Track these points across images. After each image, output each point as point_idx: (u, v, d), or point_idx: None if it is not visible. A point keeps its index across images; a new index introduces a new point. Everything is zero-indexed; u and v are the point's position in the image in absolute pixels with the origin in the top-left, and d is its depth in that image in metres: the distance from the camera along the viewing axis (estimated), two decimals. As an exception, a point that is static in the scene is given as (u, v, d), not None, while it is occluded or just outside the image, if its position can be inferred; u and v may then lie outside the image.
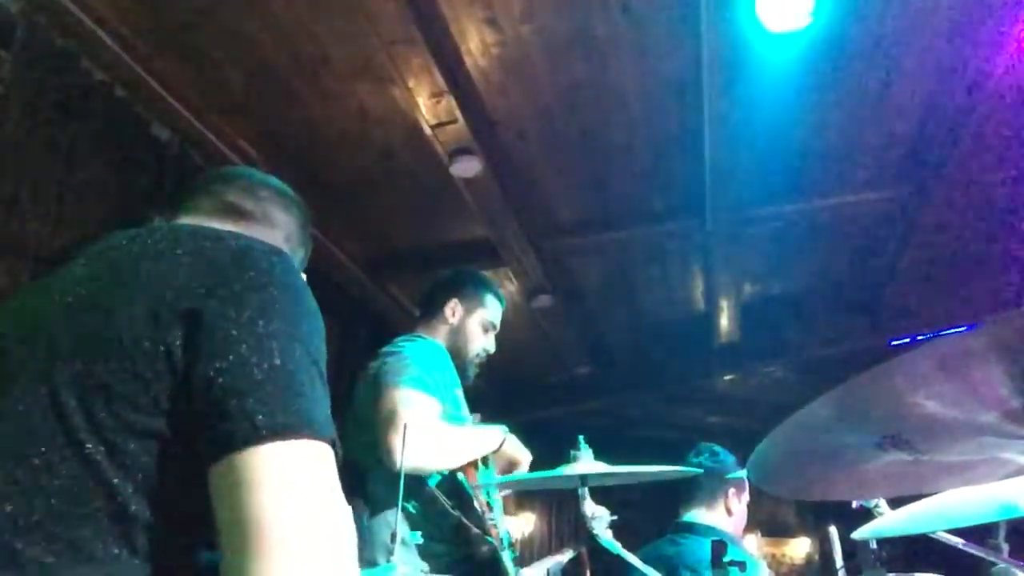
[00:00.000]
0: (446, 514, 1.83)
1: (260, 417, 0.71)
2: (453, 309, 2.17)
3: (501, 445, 2.02)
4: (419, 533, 1.82)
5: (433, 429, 1.85)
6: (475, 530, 1.83)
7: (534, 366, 5.38)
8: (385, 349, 2.01)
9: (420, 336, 2.10)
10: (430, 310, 2.20)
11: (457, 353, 2.13)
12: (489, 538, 1.84)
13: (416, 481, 1.84)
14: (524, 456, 2.07)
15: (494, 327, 2.25)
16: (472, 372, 2.22)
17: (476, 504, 1.93)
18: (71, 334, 0.77)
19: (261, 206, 1.10)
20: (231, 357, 0.74)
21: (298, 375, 0.75)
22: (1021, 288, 4.04)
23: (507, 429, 2.05)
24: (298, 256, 1.16)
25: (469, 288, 2.22)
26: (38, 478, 0.71)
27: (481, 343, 2.20)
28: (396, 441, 1.72)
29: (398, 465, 1.72)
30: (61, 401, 0.73)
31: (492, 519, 1.93)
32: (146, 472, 0.73)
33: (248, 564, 0.68)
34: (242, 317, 0.76)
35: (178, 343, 0.74)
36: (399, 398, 1.81)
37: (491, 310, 2.23)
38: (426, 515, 1.87)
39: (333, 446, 0.76)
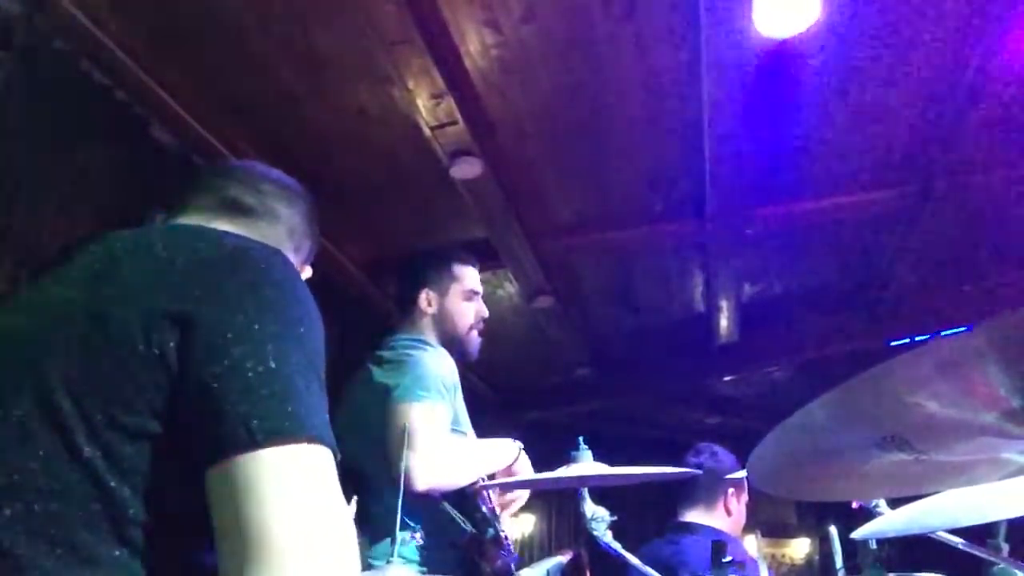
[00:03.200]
0: (458, 527, 1.81)
1: (255, 422, 0.71)
2: (427, 299, 2.12)
3: (516, 459, 2.01)
4: (418, 546, 1.81)
5: (454, 448, 1.83)
6: (488, 539, 1.82)
7: (534, 367, 5.38)
8: (389, 355, 1.95)
9: (421, 339, 2.03)
10: (406, 307, 2.15)
11: (450, 337, 2.08)
12: (503, 549, 1.83)
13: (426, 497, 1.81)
14: (528, 472, 2.05)
15: (476, 293, 2.18)
16: (474, 346, 2.14)
17: (485, 510, 1.92)
18: (65, 337, 0.77)
19: (263, 200, 1.09)
20: (225, 362, 0.73)
21: (294, 379, 0.75)
22: (1021, 288, 4.04)
23: (521, 445, 2.04)
24: (304, 248, 1.16)
25: (432, 271, 2.16)
26: (36, 482, 0.71)
27: (470, 315, 2.14)
28: (415, 460, 1.71)
29: (418, 484, 1.71)
30: (56, 405, 0.73)
31: (503, 530, 1.92)
32: (144, 474, 0.73)
33: (245, 571, 0.68)
34: (236, 320, 0.76)
35: (171, 346, 0.74)
36: (414, 415, 1.78)
37: (465, 279, 2.17)
38: (435, 528, 1.83)
39: (331, 449, 0.75)
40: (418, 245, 3.84)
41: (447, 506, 1.80)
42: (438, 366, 1.93)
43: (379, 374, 1.92)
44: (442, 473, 1.77)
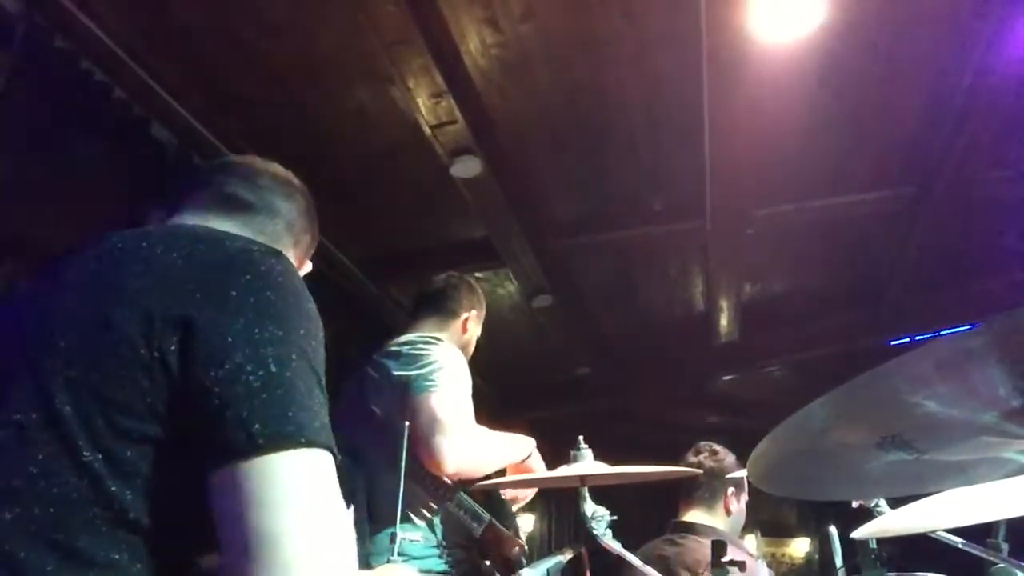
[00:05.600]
0: (472, 522, 1.81)
1: (256, 427, 0.71)
2: (469, 322, 2.14)
3: (529, 455, 2.02)
4: (420, 545, 1.80)
5: (481, 434, 1.84)
6: (506, 532, 1.82)
7: (534, 366, 5.38)
8: (405, 349, 1.93)
9: (442, 339, 2.00)
10: (444, 314, 2.13)
11: None
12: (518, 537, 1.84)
13: (444, 487, 1.80)
14: (541, 469, 2.06)
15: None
16: None
17: (503, 500, 1.93)
18: (66, 340, 0.77)
19: (261, 195, 1.07)
20: (226, 366, 0.73)
21: (295, 382, 0.75)
22: (1020, 288, 4.04)
23: (535, 442, 2.04)
24: (304, 242, 1.14)
25: (476, 302, 2.19)
26: (37, 486, 0.71)
27: (470, 355, 2.18)
28: (445, 443, 1.71)
29: (448, 467, 1.72)
30: (56, 408, 0.73)
31: (516, 524, 1.93)
32: (144, 478, 0.73)
33: (246, 575, 0.68)
34: (237, 323, 0.75)
35: (172, 349, 0.74)
36: (441, 401, 1.77)
37: (482, 324, 2.22)
38: (451, 520, 1.84)
39: (331, 452, 0.75)
40: (418, 244, 3.85)
41: (464, 496, 1.80)
42: (457, 359, 1.94)
43: (395, 366, 1.89)
44: (471, 457, 1.77)
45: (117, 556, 0.71)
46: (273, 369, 0.74)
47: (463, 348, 2.10)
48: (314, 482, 0.72)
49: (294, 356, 0.76)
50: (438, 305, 2.16)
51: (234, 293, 0.77)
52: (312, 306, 0.83)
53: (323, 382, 0.79)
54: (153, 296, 0.77)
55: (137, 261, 0.82)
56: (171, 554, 0.74)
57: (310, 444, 0.73)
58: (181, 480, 0.73)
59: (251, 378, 0.73)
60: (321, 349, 0.81)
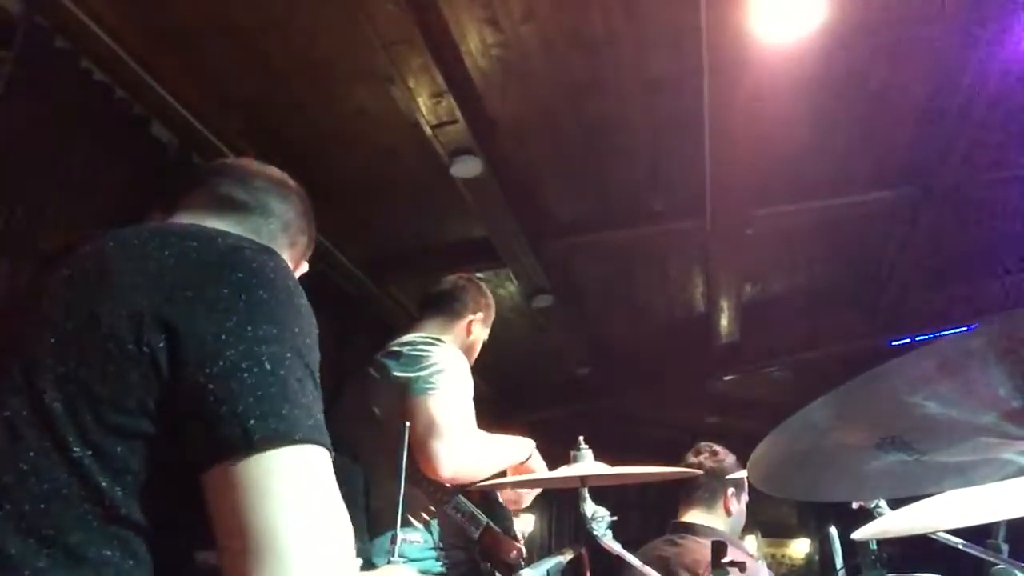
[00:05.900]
0: (470, 525, 1.80)
1: (251, 423, 0.71)
2: (475, 324, 2.13)
3: (529, 457, 2.02)
4: (419, 547, 1.80)
5: (479, 437, 1.83)
6: (503, 535, 1.81)
7: (534, 366, 5.38)
8: (406, 350, 1.91)
9: (444, 341, 1.99)
10: (449, 315, 2.12)
11: None
12: (516, 541, 1.83)
13: (442, 490, 1.80)
14: (541, 470, 2.06)
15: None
16: None
17: (500, 502, 1.92)
18: (57, 337, 0.77)
19: (256, 196, 1.08)
20: (220, 363, 0.73)
21: (288, 379, 0.75)
22: (1020, 288, 4.04)
23: (534, 443, 2.04)
24: (300, 244, 1.14)
25: (483, 305, 2.17)
26: (27, 482, 0.71)
27: (473, 359, 2.16)
28: (442, 447, 1.71)
29: (445, 471, 1.71)
30: (47, 405, 0.73)
31: (514, 526, 1.92)
32: (135, 474, 0.73)
33: (245, 571, 0.68)
34: (230, 321, 0.75)
35: (162, 346, 0.74)
36: (439, 404, 1.76)
37: (488, 331, 2.20)
38: (449, 523, 1.83)
39: (327, 449, 0.75)
40: (418, 244, 3.85)
41: (462, 499, 1.79)
42: (458, 361, 1.93)
43: (396, 367, 1.87)
44: (468, 462, 1.77)
45: (109, 552, 0.70)
46: (267, 366, 0.74)
47: (467, 350, 2.08)
48: (308, 478, 0.73)
49: (288, 354, 0.76)
50: (443, 306, 2.14)
51: (225, 291, 0.77)
52: (306, 303, 0.83)
53: (317, 379, 0.79)
54: (143, 293, 0.77)
55: (129, 259, 0.82)
56: (164, 550, 0.74)
57: (304, 441, 0.73)
58: (172, 476, 0.73)
59: (245, 375, 0.73)
60: (316, 347, 0.81)
